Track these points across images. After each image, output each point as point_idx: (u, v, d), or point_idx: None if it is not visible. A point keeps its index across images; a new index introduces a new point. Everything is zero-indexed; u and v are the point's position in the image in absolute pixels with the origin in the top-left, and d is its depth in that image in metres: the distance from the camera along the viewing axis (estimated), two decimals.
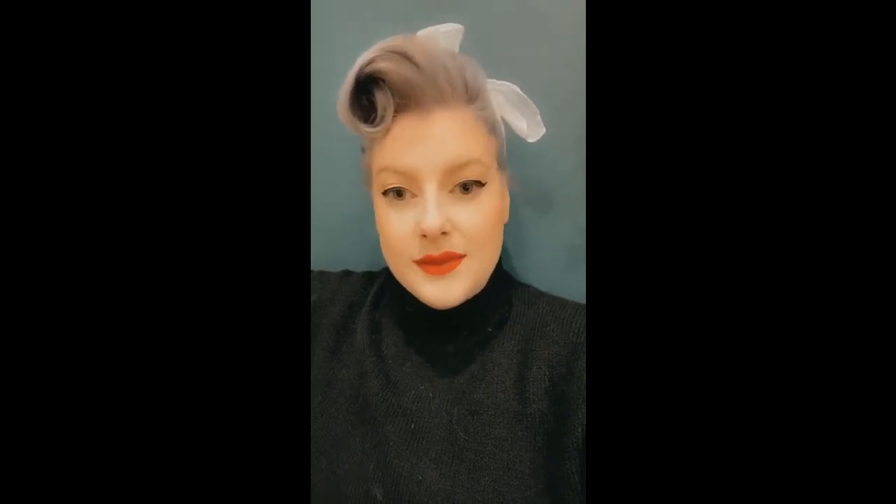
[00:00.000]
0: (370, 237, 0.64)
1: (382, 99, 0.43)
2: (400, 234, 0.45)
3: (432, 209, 0.42)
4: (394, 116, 0.43)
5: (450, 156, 0.43)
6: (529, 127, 0.51)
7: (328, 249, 0.65)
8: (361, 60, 0.42)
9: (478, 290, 0.48)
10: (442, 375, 0.48)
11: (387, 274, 0.57)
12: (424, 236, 0.43)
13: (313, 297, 0.56)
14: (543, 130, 0.51)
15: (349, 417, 0.48)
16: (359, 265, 0.62)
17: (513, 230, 0.59)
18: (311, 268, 0.61)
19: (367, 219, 0.64)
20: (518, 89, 0.50)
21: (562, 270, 0.60)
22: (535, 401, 0.45)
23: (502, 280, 0.52)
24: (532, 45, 0.58)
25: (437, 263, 0.44)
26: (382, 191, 0.45)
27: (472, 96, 0.45)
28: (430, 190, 0.43)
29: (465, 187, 0.44)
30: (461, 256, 0.44)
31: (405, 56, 0.42)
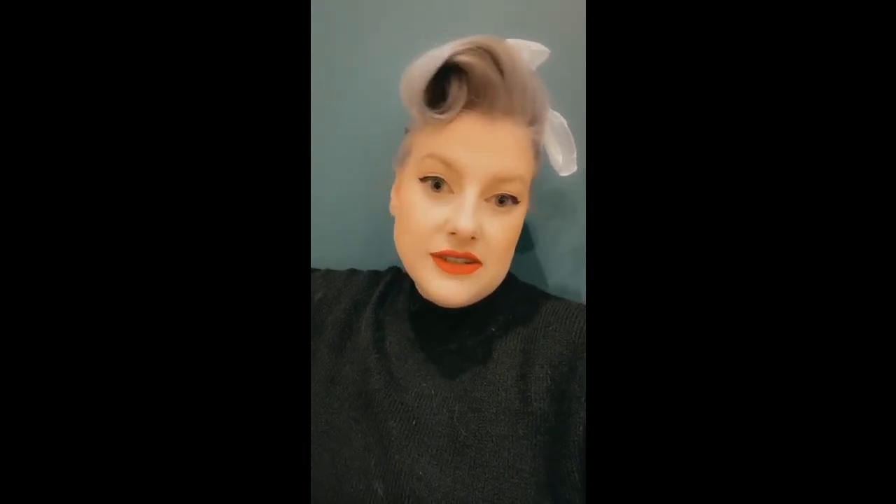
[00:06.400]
0: (370, 238, 0.65)
1: (457, 90, 0.43)
2: (426, 224, 0.45)
3: (469, 211, 0.43)
4: (460, 111, 0.44)
5: (501, 166, 0.44)
6: (564, 162, 0.52)
7: (329, 249, 0.66)
8: (451, 48, 0.43)
9: (483, 297, 0.48)
10: (444, 373, 0.48)
11: (392, 273, 0.58)
12: (453, 234, 0.44)
13: (319, 295, 0.57)
14: (576, 168, 0.52)
15: (351, 413, 0.48)
16: (358, 264, 0.63)
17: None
18: (317, 267, 0.61)
19: (366, 219, 0.65)
20: (565, 123, 0.51)
21: (565, 273, 0.60)
22: (536, 399, 0.45)
23: (506, 282, 0.52)
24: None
25: (455, 262, 0.45)
26: (421, 176, 0.46)
27: (534, 119, 0.46)
28: (472, 192, 0.44)
29: (501, 200, 0.45)
30: (478, 263, 0.45)
31: (494, 58, 0.43)
